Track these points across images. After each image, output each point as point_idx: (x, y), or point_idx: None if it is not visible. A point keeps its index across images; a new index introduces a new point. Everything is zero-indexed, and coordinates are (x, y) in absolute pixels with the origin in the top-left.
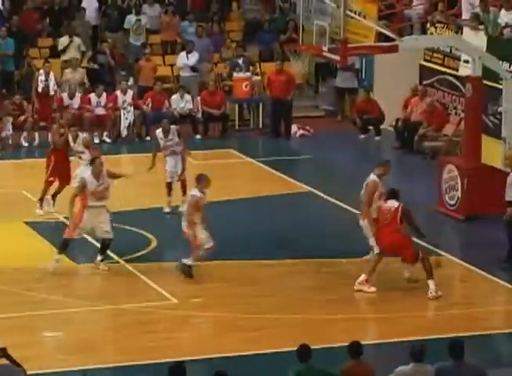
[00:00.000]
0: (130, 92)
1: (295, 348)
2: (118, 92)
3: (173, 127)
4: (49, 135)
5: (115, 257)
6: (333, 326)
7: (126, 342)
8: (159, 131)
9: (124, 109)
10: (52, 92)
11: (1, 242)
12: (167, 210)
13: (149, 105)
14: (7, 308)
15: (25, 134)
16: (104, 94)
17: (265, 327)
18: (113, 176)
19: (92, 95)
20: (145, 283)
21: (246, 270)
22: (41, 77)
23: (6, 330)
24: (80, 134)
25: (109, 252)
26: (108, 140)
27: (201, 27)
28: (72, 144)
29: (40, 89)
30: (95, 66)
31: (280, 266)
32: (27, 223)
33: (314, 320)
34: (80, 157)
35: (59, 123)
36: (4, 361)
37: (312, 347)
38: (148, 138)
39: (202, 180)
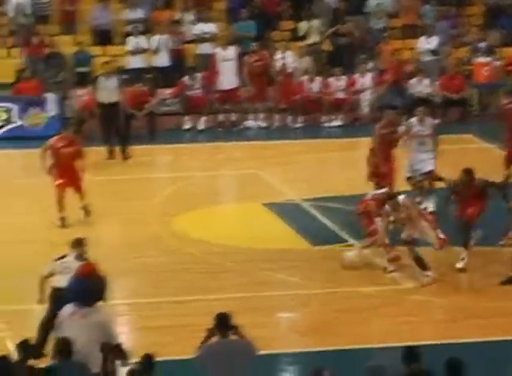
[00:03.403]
0: (369, 75)
1: None
2: (357, 76)
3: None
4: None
5: (350, 240)
6: None
7: (360, 326)
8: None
9: (364, 92)
10: (289, 70)
11: (239, 223)
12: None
13: (387, 88)
14: (243, 288)
15: (262, 116)
16: (344, 77)
17: (499, 314)
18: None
19: (332, 79)
20: (381, 267)
21: (477, 258)
22: (278, 56)
23: (242, 310)
24: (425, 117)
25: (344, 235)
26: (341, 123)
27: (440, 11)
28: (417, 127)
29: (277, 68)
30: (338, 41)
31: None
32: (264, 205)
33: None
34: (423, 143)
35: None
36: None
37: None
38: None
39: None
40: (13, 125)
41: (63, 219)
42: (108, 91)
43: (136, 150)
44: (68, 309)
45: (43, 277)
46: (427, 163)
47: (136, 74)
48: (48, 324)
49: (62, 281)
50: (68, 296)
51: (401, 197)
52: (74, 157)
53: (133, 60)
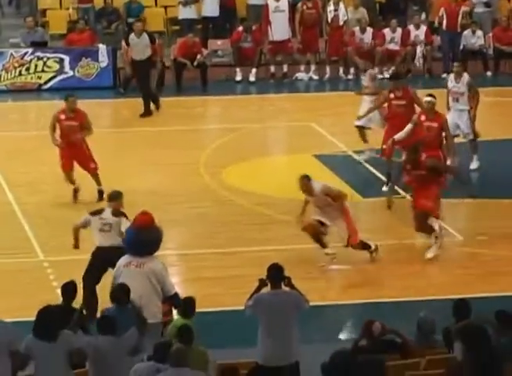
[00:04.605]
0: (423, 27)
1: None
2: (411, 27)
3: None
4: None
5: (402, 192)
6: None
7: (411, 278)
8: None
9: (418, 44)
10: (341, 23)
11: (290, 174)
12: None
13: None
14: (293, 239)
15: (313, 67)
16: (399, 30)
17: None
18: None
19: (387, 31)
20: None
21: None
22: (330, 8)
23: (292, 262)
24: (462, 73)
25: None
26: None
27: None
28: (453, 83)
29: (329, 20)
30: None
31: None
32: (315, 156)
33: None
34: (457, 100)
35: None
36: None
37: None
38: (444, 75)
39: None
40: (65, 76)
41: (75, 191)
42: (140, 48)
43: (188, 101)
44: (125, 258)
45: (77, 227)
46: (458, 125)
47: (187, 25)
48: (87, 280)
49: (103, 240)
50: (124, 246)
51: (319, 185)
52: (77, 132)
53: (184, 11)
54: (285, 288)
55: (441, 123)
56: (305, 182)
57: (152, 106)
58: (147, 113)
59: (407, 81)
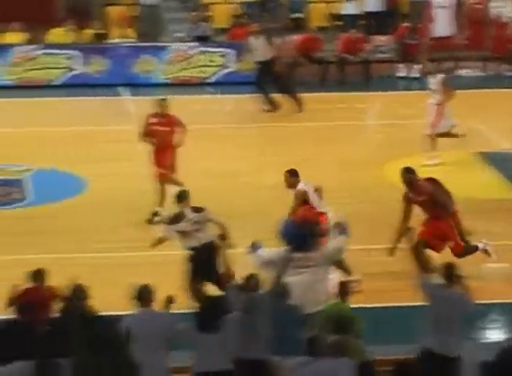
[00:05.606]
0: None
1: None
2: None
3: None
4: None
5: None
6: None
7: None
8: None
9: None
10: (506, 20)
11: (449, 171)
12: None
13: None
14: None
15: (477, 64)
16: None
17: None
18: None
19: None
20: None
21: None
22: (495, 4)
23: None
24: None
25: None
26: None
27: None
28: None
29: (494, 16)
30: None
31: None
32: (478, 153)
33: None
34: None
35: None
36: None
37: None
38: None
39: None
40: (228, 70)
41: (154, 214)
42: (258, 51)
43: (350, 96)
44: (288, 252)
45: (163, 239)
46: None
47: (350, 20)
48: (195, 288)
49: (195, 240)
50: (289, 241)
51: (303, 185)
52: (168, 136)
53: (347, 6)
54: (455, 287)
55: None
56: (289, 175)
57: (269, 106)
58: (300, 108)
59: None
